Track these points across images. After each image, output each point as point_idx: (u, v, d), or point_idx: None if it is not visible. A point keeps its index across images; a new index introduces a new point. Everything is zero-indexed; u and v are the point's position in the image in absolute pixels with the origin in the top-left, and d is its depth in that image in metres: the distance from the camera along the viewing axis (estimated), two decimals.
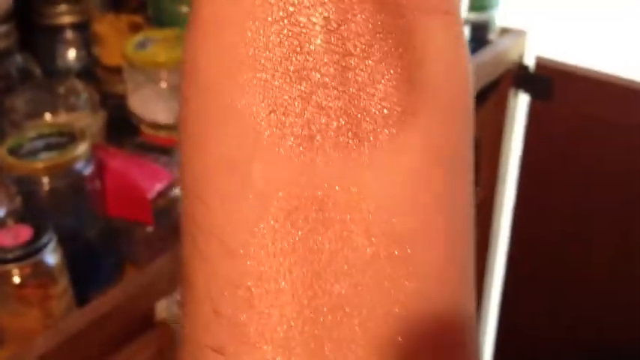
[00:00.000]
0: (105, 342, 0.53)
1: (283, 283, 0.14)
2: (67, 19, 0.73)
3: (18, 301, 0.52)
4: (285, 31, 0.14)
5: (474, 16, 0.98)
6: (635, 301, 1.06)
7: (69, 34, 0.74)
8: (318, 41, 0.14)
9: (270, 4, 0.14)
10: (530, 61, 1.03)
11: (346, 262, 0.14)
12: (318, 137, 0.14)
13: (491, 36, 1.01)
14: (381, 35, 0.14)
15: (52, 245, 0.52)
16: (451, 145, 0.15)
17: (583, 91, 1.00)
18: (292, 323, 0.14)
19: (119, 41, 0.69)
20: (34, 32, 0.72)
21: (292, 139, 0.14)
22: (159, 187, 0.59)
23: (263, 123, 0.14)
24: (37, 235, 0.52)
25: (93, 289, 0.57)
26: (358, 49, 0.14)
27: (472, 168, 0.16)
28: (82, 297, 0.56)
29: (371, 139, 0.14)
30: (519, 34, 1.02)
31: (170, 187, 0.60)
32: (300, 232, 0.14)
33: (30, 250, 0.51)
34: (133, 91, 0.65)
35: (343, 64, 0.14)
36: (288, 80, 0.14)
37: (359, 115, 0.14)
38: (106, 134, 0.67)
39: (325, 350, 0.14)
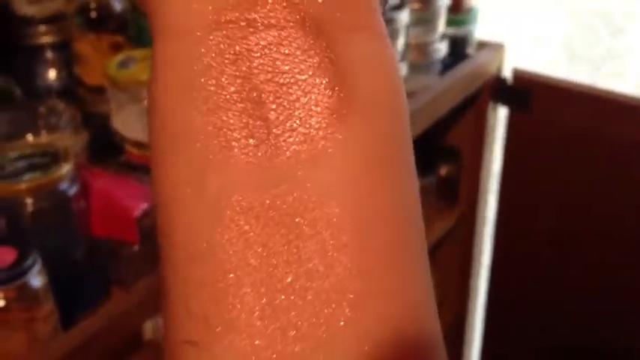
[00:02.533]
0: None
1: (242, 277, 0.16)
2: (47, 39, 0.73)
3: (3, 325, 0.51)
4: (225, 59, 0.16)
5: (453, 31, 0.99)
6: (617, 312, 1.07)
7: (49, 54, 0.73)
8: (254, 64, 0.16)
9: (210, 43, 0.16)
10: (507, 74, 1.04)
11: (297, 252, 0.16)
12: (261, 146, 0.16)
13: (470, 50, 1.02)
14: (308, 53, 0.16)
15: (36, 268, 0.51)
16: (383, 141, 0.17)
17: (560, 102, 1.02)
18: (252, 311, 0.16)
19: (101, 61, 0.69)
20: (14, 52, 0.72)
21: (238, 150, 0.16)
22: (144, 206, 0.58)
23: (213, 139, 0.16)
24: (22, 257, 0.51)
25: (79, 310, 0.56)
26: (289, 66, 0.16)
27: (411, 162, 0.18)
28: (68, 319, 0.55)
29: (308, 141, 0.16)
30: (497, 47, 1.04)
31: None
32: (254, 231, 0.16)
33: (14, 273, 0.50)
34: (117, 110, 0.64)
35: (278, 81, 0.16)
36: (232, 100, 0.16)
37: (295, 122, 0.16)
38: (88, 154, 0.66)
39: (285, 334, 0.16)
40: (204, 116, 0.16)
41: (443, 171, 1.10)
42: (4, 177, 0.55)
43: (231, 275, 0.16)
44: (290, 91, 0.16)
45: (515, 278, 1.17)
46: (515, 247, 1.15)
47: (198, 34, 0.16)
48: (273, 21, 0.16)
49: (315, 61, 0.16)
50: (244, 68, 0.16)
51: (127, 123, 0.63)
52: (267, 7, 0.16)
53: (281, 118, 0.16)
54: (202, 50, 0.16)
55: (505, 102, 1.06)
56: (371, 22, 0.17)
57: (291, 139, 0.16)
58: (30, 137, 0.64)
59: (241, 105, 0.16)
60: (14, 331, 0.52)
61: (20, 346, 0.52)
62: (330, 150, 0.16)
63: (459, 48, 1.00)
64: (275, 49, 0.16)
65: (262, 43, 0.16)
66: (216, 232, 0.16)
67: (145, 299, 0.56)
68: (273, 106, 0.16)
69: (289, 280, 0.16)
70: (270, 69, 0.16)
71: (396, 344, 0.16)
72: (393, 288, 0.17)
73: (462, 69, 0.98)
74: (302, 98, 0.16)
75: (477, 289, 1.21)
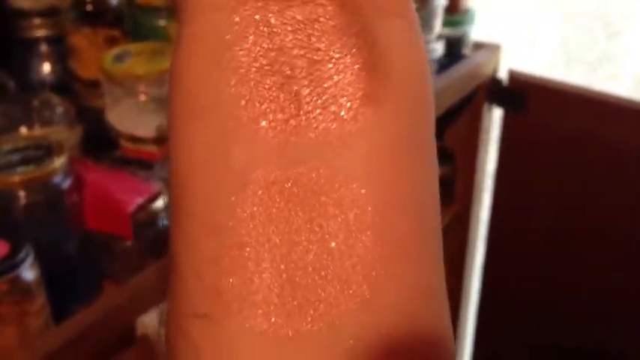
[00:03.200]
0: (84, 359, 0.52)
1: (262, 251, 0.16)
2: (41, 33, 0.72)
3: None
4: (259, 31, 0.16)
5: (449, 32, 1.00)
6: (610, 313, 1.07)
7: (44, 48, 0.73)
8: (288, 39, 0.16)
9: (244, 10, 0.16)
10: (503, 75, 1.04)
11: (320, 230, 0.16)
12: (291, 121, 0.16)
13: (466, 50, 1.02)
14: (343, 31, 0.16)
15: (29, 261, 0.51)
16: (410, 128, 0.17)
17: (556, 104, 1.02)
18: (271, 288, 0.16)
19: (96, 55, 0.68)
20: (8, 45, 0.71)
21: (266, 123, 0.16)
22: (139, 200, 0.58)
23: (241, 112, 0.16)
24: (14, 250, 0.50)
25: (71, 305, 0.56)
26: (323, 44, 0.16)
27: (434, 152, 0.18)
28: (60, 313, 0.55)
29: (338, 120, 0.16)
30: (493, 48, 1.04)
31: (150, 200, 0.59)
32: (276, 206, 0.16)
33: (6, 266, 0.50)
34: (112, 104, 0.64)
35: (310, 57, 0.16)
36: (262, 73, 0.16)
37: (326, 101, 0.16)
38: (82, 148, 0.66)
39: (303, 313, 0.16)
40: (234, 87, 0.16)
41: (439, 172, 1.10)
42: None
43: (249, 249, 0.16)
44: (323, 68, 0.16)
45: (508, 278, 1.17)
46: (509, 247, 1.16)
47: (232, 3, 0.16)
48: None
49: (351, 41, 0.16)
50: (278, 41, 0.16)
51: (122, 117, 0.63)
52: None
53: (313, 95, 0.16)
54: (236, 19, 0.16)
55: (500, 103, 1.06)
56: (406, 10, 0.17)
57: (321, 117, 0.16)
58: (24, 130, 0.64)
59: (273, 78, 0.16)
60: (5, 324, 0.51)
61: (11, 339, 0.51)
62: (359, 132, 0.16)
63: (455, 48, 1.00)
64: (311, 25, 0.16)
65: (298, 17, 0.16)
66: (238, 205, 0.16)
67: (137, 294, 0.55)
68: (305, 82, 0.16)
69: (310, 258, 0.16)
70: (304, 44, 0.16)
71: (410, 330, 0.16)
72: (411, 274, 0.17)
73: (458, 69, 0.98)
74: (335, 77, 0.16)
75: (470, 289, 1.21)
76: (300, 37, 0.16)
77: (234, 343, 0.16)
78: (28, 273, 0.51)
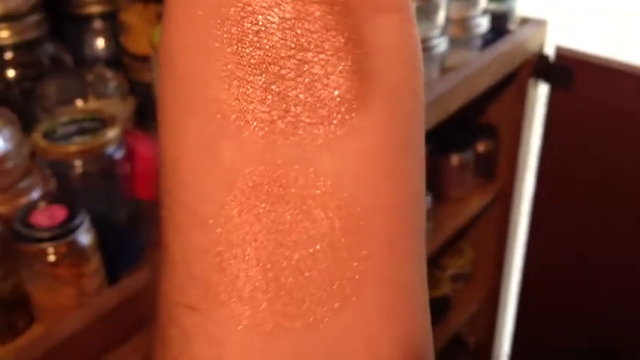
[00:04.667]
0: (135, 318, 0.55)
1: (249, 250, 0.16)
2: (95, 9, 0.75)
3: (52, 279, 0.54)
4: (246, 29, 0.16)
5: (494, 6, 0.99)
6: None
7: (97, 24, 0.75)
8: (276, 38, 0.16)
9: (232, 5, 0.16)
10: (550, 51, 1.03)
11: (305, 233, 0.16)
12: (279, 122, 0.16)
13: (511, 26, 1.01)
14: (332, 32, 0.16)
15: (85, 226, 0.54)
16: (398, 130, 0.17)
17: (603, 81, 1.01)
18: (257, 284, 0.16)
19: (147, 30, 0.71)
20: (63, 22, 0.74)
21: (255, 123, 0.16)
22: None
23: (230, 109, 0.16)
24: (72, 215, 0.54)
25: (123, 269, 0.59)
26: (312, 44, 0.16)
27: (422, 152, 0.18)
28: (112, 276, 0.58)
29: (325, 123, 0.16)
30: (539, 23, 1.03)
31: None
32: (263, 205, 0.16)
33: (65, 230, 0.53)
34: None
35: (299, 57, 0.16)
36: (250, 72, 0.16)
37: (314, 103, 0.16)
38: (134, 121, 0.69)
39: (287, 310, 0.16)
40: (223, 83, 0.16)
41: (481, 147, 1.10)
42: (55, 139, 0.58)
43: (237, 246, 0.16)
44: (312, 70, 0.16)
45: (550, 255, 1.17)
46: (552, 224, 1.15)
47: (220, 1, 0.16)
48: None
49: (340, 41, 0.16)
50: (265, 40, 0.16)
51: None
52: None
53: (300, 96, 0.16)
54: (222, 16, 0.16)
55: (547, 79, 1.05)
56: (401, 2, 0.17)
57: (308, 120, 0.16)
58: (79, 103, 0.67)
59: (260, 78, 0.16)
60: (63, 285, 0.55)
61: (69, 299, 0.55)
62: (346, 135, 0.16)
63: (500, 23, 0.99)
64: (299, 24, 0.16)
65: (286, 15, 0.16)
66: (226, 201, 0.16)
67: None
68: (293, 84, 0.16)
69: (295, 258, 0.16)
70: (292, 45, 0.16)
71: (392, 329, 0.17)
72: (393, 275, 0.17)
73: (503, 45, 0.97)
74: (324, 79, 0.16)
75: (512, 266, 1.21)
76: (287, 36, 0.16)
77: (221, 334, 0.16)
78: (84, 237, 0.54)
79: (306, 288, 0.16)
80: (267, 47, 0.16)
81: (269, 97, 0.16)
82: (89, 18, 0.75)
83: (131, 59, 0.74)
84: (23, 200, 0.56)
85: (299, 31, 0.16)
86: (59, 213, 0.54)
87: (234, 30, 0.16)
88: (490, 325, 1.26)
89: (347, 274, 0.16)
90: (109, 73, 0.69)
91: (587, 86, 1.02)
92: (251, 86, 0.16)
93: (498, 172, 1.12)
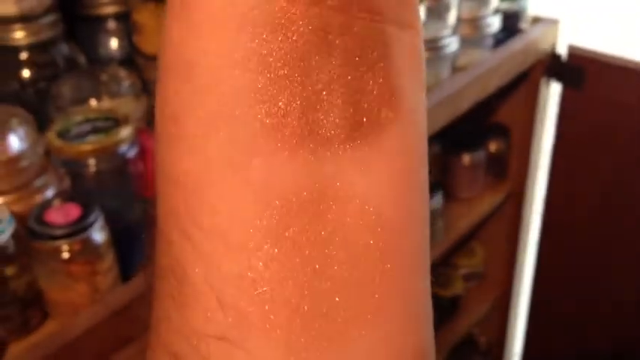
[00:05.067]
0: (149, 315, 0.56)
1: (285, 273, 0.15)
2: (109, 10, 0.76)
3: (66, 276, 0.55)
4: (279, 41, 0.15)
5: (506, 5, 0.99)
6: None
7: (111, 24, 0.76)
8: (314, 51, 0.15)
9: (265, 16, 0.15)
10: (562, 50, 1.03)
11: (340, 252, 0.16)
12: (313, 139, 0.15)
13: (523, 25, 1.01)
14: (368, 47, 0.15)
15: (99, 223, 0.55)
16: (418, 150, 0.17)
17: (615, 79, 1.00)
18: (294, 307, 0.15)
19: (159, 30, 0.71)
20: (78, 22, 0.75)
21: (290, 139, 0.15)
22: None
23: (262, 125, 0.15)
24: (86, 213, 0.54)
25: (136, 266, 0.60)
26: (346, 59, 0.15)
27: (427, 173, 0.18)
28: (125, 273, 0.59)
29: (358, 141, 0.15)
30: (551, 22, 1.02)
31: None
32: (298, 225, 0.15)
33: (79, 228, 0.53)
34: None
35: (332, 72, 0.15)
36: (282, 85, 0.15)
37: (347, 119, 0.15)
38: (147, 120, 0.69)
39: (322, 329, 0.16)
40: (253, 97, 0.15)
41: (492, 147, 1.10)
42: (70, 139, 0.58)
43: (273, 272, 0.15)
44: (346, 85, 0.15)
45: (562, 255, 1.17)
46: (564, 224, 1.15)
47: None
48: (341, 4, 0.15)
49: (373, 56, 0.15)
50: (297, 54, 0.15)
51: None
52: None
53: (333, 112, 0.15)
54: (254, 27, 0.15)
55: (559, 79, 1.05)
56: (415, 19, 0.16)
57: (338, 139, 0.15)
58: (93, 102, 0.67)
59: (293, 92, 0.15)
60: (77, 282, 0.55)
61: (82, 296, 0.55)
62: (374, 155, 0.16)
63: (512, 23, 0.99)
64: (333, 37, 0.15)
65: (318, 27, 0.15)
66: (260, 224, 0.15)
67: None
68: (327, 99, 0.15)
69: (330, 278, 0.16)
70: (330, 58, 0.15)
71: (415, 340, 0.17)
72: (414, 288, 0.17)
73: (515, 44, 0.97)
74: (357, 95, 0.15)
75: (523, 266, 1.21)
76: (326, 49, 0.15)
77: None
78: (98, 235, 0.55)
79: (340, 307, 0.16)
80: (300, 61, 0.15)
81: (304, 113, 0.15)
82: (103, 18, 0.76)
83: (144, 59, 0.74)
84: (38, 198, 0.57)
85: (336, 44, 0.15)
86: (73, 211, 0.54)
87: (267, 38, 0.15)
88: (502, 325, 1.25)
89: (378, 290, 0.16)
90: (122, 73, 0.70)
91: (599, 85, 1.02)
92: (282, 101, 0.15)
93: (510, 172, 1.12)
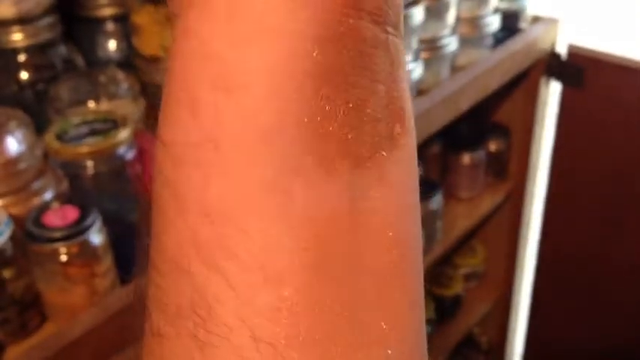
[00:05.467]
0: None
1: (316, 306, 0.15)
2: (107, 12, 0.76)
3: (64, 279, 0.55)
4: (322, 49, 0.14)
5: (505, 5, 0.99)
6: None
7: (109, 26, 0.76)
8: (346, 62, 0.14)
9: (321, 25, 0.14)
10: (562, 50, 1.03)
11: (367, 273, 0.15)
12: (348, 156, 0.15)
13: (523, 24, 1.01)
14: (391, 61, 0.15)
15: (97, 226, 0.54)
16: (416, 161, 0.17)
17: (615, 79, 1.00)
18: (329, 336, 0.15)
19: (158, 32, 0.71)
20: (76, 24, 0.75)
21: (329, 157, 0.14)
22: None
23: (307, 145, 0.14)
24: (83, 216, 0.54)
25: (134, 268, 0.60)
26: (362, 67, 0.15)
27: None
28: (123, 276, 0.58)
29: (374, 157, 0.15)
30: (551, 22, 1.02)
31: None
32: (334, 250, 0.15)
33: (76, 230, 0.53)
34: None
35: (347, 80, 0.14)
36: (324, 103, 0.14)
37: (375, 135, 0.15)
38: (145, 122, 0.69)
39: (342, 352, 0.15)
40: (294, 116, 0.14)
41: (492, 146, 1.10)
42: (67, 141, 0.58)
43: (311, 305, 0.15)
44: (360, 97, 0.15)
45: (563, 254, 1.17)
46: (564, 223, 1.15)
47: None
48: (378, 18, 0.15)
49: (386, 65, 0.15)
50: (337, 65, 0.14)
51: None
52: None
53: (362, 130, 0.15)
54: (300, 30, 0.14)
55: (559, 78, 1.05)
56: (398, 22, 0.16)
57: (369, 152, 0.15)
58: (91, 104, 0.67)
59: (338, 110, 0.14)
60: (75, 284, 0.55)
61: (80, 298, 0.55)
62: (392, 168, 0.15)
63: (511, 22, 0.99)
64: (344, 43, 0.14)
65: (330, 33, 0.14)
66: (301, 254, 0.15)
67: None
68: (357, 113, 0.15)
69: (352, 312, 0.15)
70: (363, 71, 0.15)
71: (420, 349, 0.17)
72: (420, 299, 0.17)
73: (515, 43, 0.97)
74: (376, 114, 0.15)
75: (524, 265, 1.21)
76: (360, 61, 0.15)
77: None
78: (96, 237, 0.54)
79: (372, 331, 0.15)
80: (315, 69, 0.14)
81: (338, 129, 0.14)
82: (101, 20, 0.76)
83: (142, 61, 0.74)
84: (36, 201, 0.57)
85: (370, 54, 0.15)
86: (71, 213, 0.54)
87: (305, 46, 0.14)
88: (503, 325, 1.25)
89: (392, 308, 0.16)
90: (120, 75, 0.70)
91: (599, 84, 1.02)
92: (326, 119, 0.14)
93: (510, 171, 1.12)
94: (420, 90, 0.84)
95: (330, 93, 0.14)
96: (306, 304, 0.15)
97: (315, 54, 0.14)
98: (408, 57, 0.80)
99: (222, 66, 0.14)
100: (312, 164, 0.14)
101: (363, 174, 0.15)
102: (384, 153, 0.15)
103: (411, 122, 0.16)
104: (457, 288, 1.15)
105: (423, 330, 0.17)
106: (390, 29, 0.15)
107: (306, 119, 0.14)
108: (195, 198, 0.15)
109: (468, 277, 1.18)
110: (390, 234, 0.16)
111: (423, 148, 0.97)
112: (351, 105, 0.14)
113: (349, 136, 0.14)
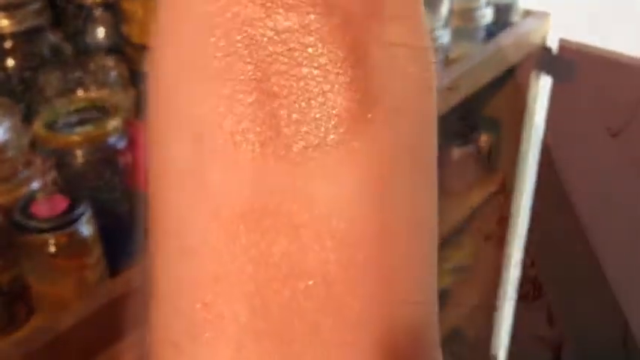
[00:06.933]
0: (137, 311, 0.55)
1: (235, 284, 0.15)
2: None
3: (53, 270, 0.54)
4: (235, 42, 0.14)
5: None
6: None
7: (98, 12, 0.75)
8: (267, 52, 0.14)
9: (220, 16, 0.14)
10: (553, 44, 1.03)
11: (297, 266, 0.15)
12: (270, 145, 0.14)
13: (514, 18, 1.01)
14: (330, 45, 0.14)
15: (86, 216, 0.53)
16: (404, 152, 0.15)
17: (606, 73, 1.00)
18: (244, 321, 0.15)
19: (148, 19, 0.70)
20: (64, 10, 0.73)
21: (245, 146, 0.14)
22: None
23: (218, 128, 0.14)
24: (73, 206, 0.53)
25: (124, 260, 0.59)
26: (307, 59, 0.14)
27: (432, 176, 0.17)
28: (113, 268, 0.58)
29: (321, 146, 0.14)
30: (542, 16, 1.02)
31: None
32: (251, 236, 0.14)
33: (65, 221, 0.52)
34: None
35: (292, 73, 0.14)
36: (239, 89, 0.14)
37: (309, 124, 0.14)
38: (136, 111, 0.68)
39: (275, 347, 0.15)
40: (210, 100, 0.14)
41: (482, 140, 1.10)
42: (57, 129, 0.57)
43: (222, 280, 0.15)
44: (306, 87, 0.14)
45: (552, 248, 1.17)
46: (553, 218, 1.15)
47: (211, 8, 0.14)
48: (293, 2, 0.14)
49: (337, 55, 0.14)
50: (256, 54, 0.14)
51: None
52: None
53: (293, 116, 0.14)
54: (210, 28, 0.14)
55: (549, 72, 1.05)
56: (410, 10, 0.16)
57: (302, 143, 0.14)
58: (80, 93, 0.66)
59: (251, 95, 0.14)
60: (64, 276, 0.54)
61: (69, 290, 0.54)
62: (343, 161, 0.14)
63: (503, 15, 0.99)
64: (294, 36, 0.14)
65: (279, 27, 0.14)
66: (211, 231, 0.15)
67: None
68: (286, 102, 0.14)
69: (286, 295, 0.15)
70: (285, 59, 0.14)
71: None
72: (394, 314, 0.16)
73: (506, 37, 0.97)
74: (319, 97, 0.14)
75: (512, 259, 1.21)
76: (280, 49, 0.14)
77: None
78: (85, 228, 0.53)
79: (297, 327, 0.15)
80: (259, 62, 0.14)
81: (260, 116, 0.14)
82: (90, 6, 0.74)
83: (132, 48, 0.73)
84: (24, 190, 0.56)
85: (293, 45, 0.14)
86: (60, 203, 0.53)
87: (222, 43, 0.14)
88: (489, 319, 1.26)
89: (343, 311, 0.15)
90: (110, 63, 0.69)
91: (589, 79, 1.02)
92: (241, 104, 0.14)
93: (500, 165, 1.12)
94: None
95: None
96: (217, 282, 0.15)
97: (204, 33, 0.15)
98: None
99: (151, 53, 0.16)
100: (223, 146, 0.15)
101: (293, 162, 0.15)
102: (329, 142, 0.15)
103: (393, 114, 0.15)
104: (444, 282, 1.15)
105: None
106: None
107: (217, 111, 0.15)
108: (147, 175, 0.16)
109: (455, 271, 1.18)
110: (337, 235, 0.15)
111: None
112: (262, 88, 0.14)
113: (260, 119, 0.14)
